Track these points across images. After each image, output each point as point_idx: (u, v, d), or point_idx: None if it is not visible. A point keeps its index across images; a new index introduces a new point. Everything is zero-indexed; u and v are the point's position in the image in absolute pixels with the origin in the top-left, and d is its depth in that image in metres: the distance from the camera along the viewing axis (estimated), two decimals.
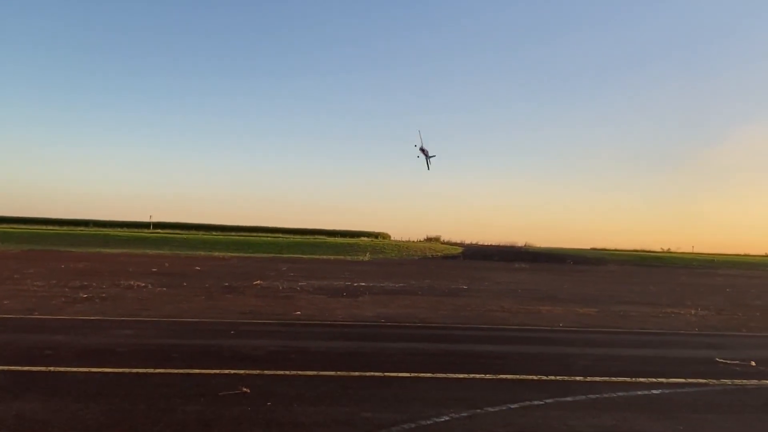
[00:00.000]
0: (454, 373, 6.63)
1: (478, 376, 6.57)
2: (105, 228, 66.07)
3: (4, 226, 61.46)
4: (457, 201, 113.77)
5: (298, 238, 62.42)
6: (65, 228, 62.93)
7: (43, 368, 6.16)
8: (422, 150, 60.07)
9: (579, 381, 6.48)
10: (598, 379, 6.59)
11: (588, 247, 74.38)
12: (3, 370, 6.01)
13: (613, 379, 6.62)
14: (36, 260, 25.51)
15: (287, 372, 6.41)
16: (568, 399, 5.74)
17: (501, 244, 72.24)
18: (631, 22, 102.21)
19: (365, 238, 64.81)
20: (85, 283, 15.62)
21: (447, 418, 4.95)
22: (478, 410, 5.22)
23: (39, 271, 19.24)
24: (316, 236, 66.27)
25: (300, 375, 6.30)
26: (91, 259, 28.32)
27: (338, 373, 6.42)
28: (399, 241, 66.23)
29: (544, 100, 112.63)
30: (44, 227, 62.73)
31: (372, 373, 6.48)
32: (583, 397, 5.82)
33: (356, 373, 6.45)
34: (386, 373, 6.49)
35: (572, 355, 8.19)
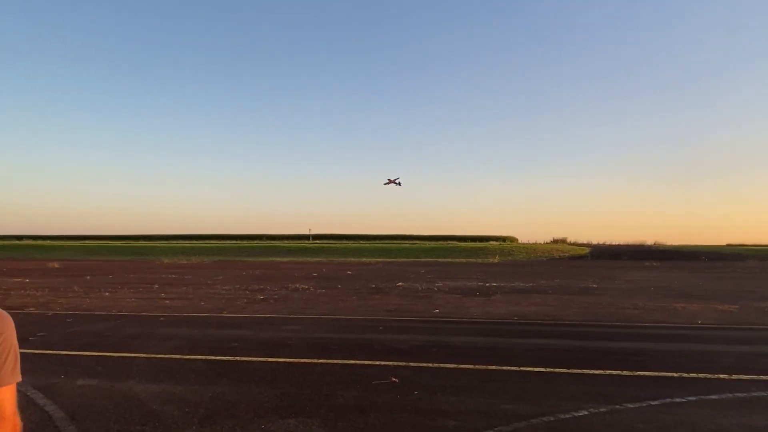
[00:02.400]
0: (590, 369, 6.13)
1: (614, 372, 6.01)
2: (274, 240, 71.18)
3: (200, 242, 68.81)
4: (581, 202, 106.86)
5: (433, 243, 62.65)
6: (244, 242, 68.90)
7: (231, 358, 6.68)
8: (392, 181, 68.72)
9: (723, 379, 5.66)
10: (744, 377, 5.71)
11: (723, 243, 65.88)
12: (202, 359, 6.60)
13: (763, 377, 5.71)
14: (223, 269, 28.07)
15: (430, 364, 6.34)
16: (713, 397, 5.03)
17: (629, 243, 66.43)
18: None
19: (494, 242, 63.24)
20: (261, 287, 16.84)
21: (585, 413, 4.57)
22: (617, 406, 4.76)
23: (226, 278, 21.11)
24: (449, 242, 65.94)
25: (442, 367, 6.20)
26: (264, 266, 30.60)
27: (477, 366, 6.23)
28: (526, 243, 63.71)
29: (668, 94, 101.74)
30: (228, 242, 69.18)
31: (508, 368, 6.19)
32: (730, 395, 5.08)
33: (493, 367, 6.21)
34: (522, 368, 6.18)
35: (714, 353, 7.24)
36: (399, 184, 72.04)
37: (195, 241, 69.73)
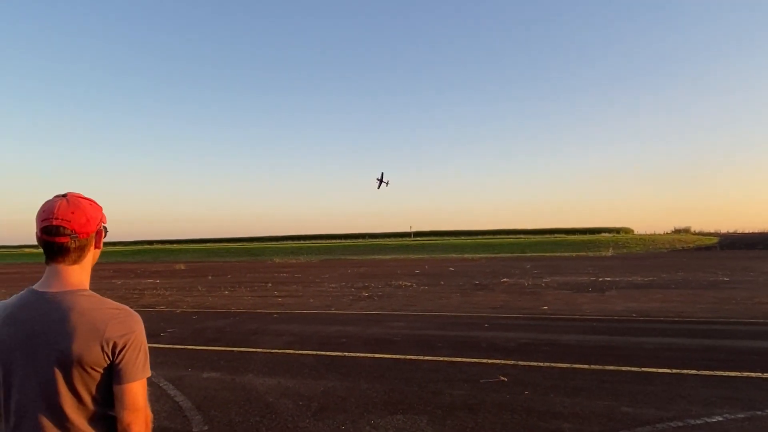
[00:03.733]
0: (723, 370, 5.55)
1: (753, 374, 5.39)
2: (376, 239, 72.66)
3: (307, 242, 72.02)
4: (707, 189, 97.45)
5: (538, 237, 60.39)
6: (348, 241, 71.03)
7: (339, 353, 6.89)
8: (380, 180, 73.21)
9: None
10: None
11: None
12: (312, 354, 6.87)
13: None
14: (329, 267, 29.12)
15: (540, 363, 6.08)
16: None
17: (765, 231, 59.32)
18: None
19: (606, 234, 59.60)
20: (366, 284, 17.24)
21: (720, 419, 4.13)
22: (758, 412, 4.26)
23: (332, 276, 21.88)
24: (556, 235, 63.22)
25: (554, 367, 5.93)
26: (368, 264, 31.31)
27: (592, 366, 5.88)
28: (643, 234, 59.31)
29: None
30: (333, 241, 71.69)
31: (628, 368, 5.77)
32: None
33: (611, 367, 5.82)
34: (643, 369, 5.73)
35: None
36: (387, 183, 76.69)
37: (302, 242, 73.11)
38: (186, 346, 7.63)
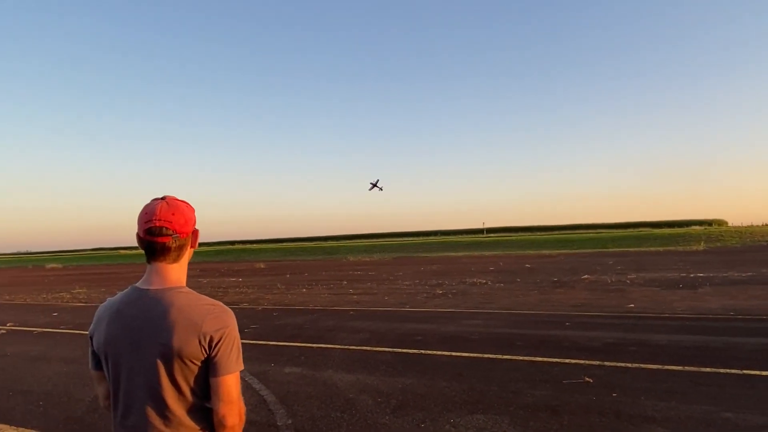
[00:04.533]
0: None
1: None
2: (448, 236, 72.10)
3: (380, 240, 72.71)
4: None
5: (621, 232, 57.44)
6: (420, 238, 71.00)
7: (416, 351, 6.89)
8: (373, 185, 74.80)
9: None
10: None
11: None
12: (389, 352, 6.92)
13: None
14: (403, 265, 29.25)
15: (628, 364, 5.78)
16: None
17: None
18: None
19: (697, 227, 55.78)
20: (439, 282, 17.16)
21: None
22: None
23: (406, 273, 21.95)
24: (640, 229, 59.88)
25: (643, 368, 5.61)
26: (441, 262, 31.14)
27: (686, 368, 5.51)
28: (739, 227, 55.01)
29: None
30: (406, 239, 71.91)
31: (727, 370, 5.36)
32: None
33: (708, 369, 5.43)
34: (745, 371, 5.30)
35: None
36: (381, 188, 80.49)
37: (375, 240, 73.91)
38: (268, 342, 7.93)
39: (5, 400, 5.56)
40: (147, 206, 1.52)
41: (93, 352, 1.58)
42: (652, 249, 36.07)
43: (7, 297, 18.43)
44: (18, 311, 13.84)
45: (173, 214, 1.50)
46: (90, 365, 1.63)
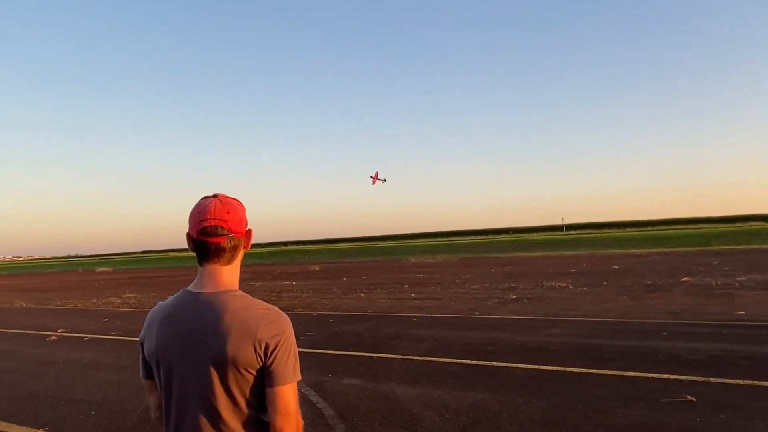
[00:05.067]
0: None
1: None
2: (522, 234, 70.76)
3: (444, 239, 72.42)
4: None
5: (727, 227, 54.34)
6: (490, 237, 70.08)
7: (487, 362, 6.77)
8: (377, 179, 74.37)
9: None
10: None
11: None
12: (457, 363, 6.84)
13: None
14: (470, 266, 28.95)
15: (738, 381, 5.42)
16: None
17: None
18: None
19: None
20: (512, 285, 16.83)
21: None
22: None
23: (474, 276, 21.70)
24: (750, 223, 56.39)
25: (757, 385, 5.24)
26: (513, 263, 30.58)
27: None
28: None
29: None
30: (473, 238, 71.20)
31: None
32: None
33: None
34: None
35: None
36: (384, 180, 78.66)
37: (439, 239, 73.71)
38: (325, 351, 8.04)
39: (57, 408, 5.92)
40: (199, 204, 1.52)
41: (144, 359, 1.61)
42: (766, 246, 33.81)
43: (58, 302, 19.72)
44: (69, 317, 14.77)
45: (228, 213, 1.50)
46: (141, 373, 1.66)
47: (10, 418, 5.59)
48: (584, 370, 6.14)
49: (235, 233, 1.52)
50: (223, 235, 1.48)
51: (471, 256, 44.03)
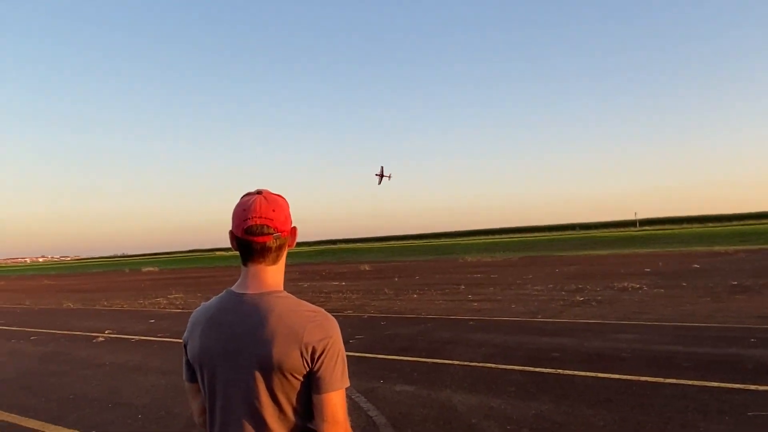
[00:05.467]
0: None
1: None
2: (590, 230, 69.02)
3: (503, 236, 71.50)
4: None
5: None
6: (554, 233, 68.70)
7: (551, 370, 6.68)
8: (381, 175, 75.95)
9: None
10: None
11: None
12: (519, 370, 6.78)
13: None
14: (532, 266, 28.49)
15: None
16: None
17: None
18: None
19: None
20: (579, 286, 16.47)
21: None
22: None
23: (536, 276, 21.35)
24: None
25: None
26: (580, 262, 29.90)
27: None
28: None
29: None
30: (535, 235, 70.01)
31: None
32: None
33: None
34: None
35: None
36: (389, 177, 79.62)
37: (497, 236, 72.80)
38: (376, 355, 8.12)
39: (104, 412, 6.22)
40: (243, 202, 1.54)
41: (187, 362, 1.65)
42: None
43: (105, 303, 20.62)
44: (115, 318, 15.43)
45: (273, 211, 1.53)
46: (184, 376, 1.70)
47: (57, 421, 5.91)
48: (660, 380, 5.97)
49: (281, 232, 1.54)
50: (268, 234, 1.50)
51: (533, 254, 43.30)
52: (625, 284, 16.26)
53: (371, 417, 5.30)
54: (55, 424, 5.82)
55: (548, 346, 8.08)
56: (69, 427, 5.68)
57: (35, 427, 5.76)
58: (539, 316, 11.11)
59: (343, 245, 79.49)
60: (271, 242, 1.52)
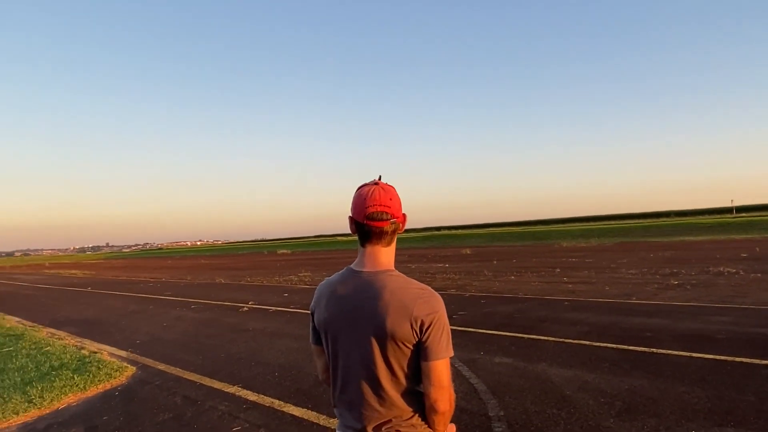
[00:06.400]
0: None
1: None
2: (686, 217, 63.94)
3: (598, 223, 67.99)
4: None
5: None
6: (649, 220, 64.32)
7: (644, 349, 6.30)
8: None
9: None
10: None
11: None
12: (612, 348, 6.46)
13: None
14: (626, 251, 26.88)
15: None
16: None
17: None
18: None
19: None
20: (674, 270, 15.35)
21: None
22: None
23: (630, 261, 20.13)
24: None
25: None
26: (675, 247, 27.79)
27: None
28: None
29: None
30: (630, 221, 65.88)
31: None
32: None
33: None
34: None
35: None
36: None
37: (592, 223, 69.30)
38: (476, 330, 8.05)
39: (249, 369, 6.66)
40: (363, 191, 1.60)
41: (314, 327, 1.77)
42: None
43: (248, 279, 22.01)
44: (256, 291, 16.42)
45: (390, 199, 1.59)
46: (311, 339, 1.81)
47: (212, 376, 6.42)
48: (756, 361, 5.45)
49: (397, 218, 1.60)
50: (386, 220, 1.57)
51: (627, 240, 40.76)
52: (721, 269, 14.94)
53: (472, 384, 5.29)
54: (210, 378, 6.32)
55: (641, 326, 7.63)
56: (222, 381, 6.15)
57: (195, 380, 6.29)
58: (633, 298, 10.48)
59: (447, 231, 79.08)
60: (388, 227, 1.58)
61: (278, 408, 5.01)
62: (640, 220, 66.11)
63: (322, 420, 4.57)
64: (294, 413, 4.82)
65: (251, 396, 5.46)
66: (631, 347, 6.41)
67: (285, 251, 67.13)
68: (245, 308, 12.36)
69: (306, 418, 4.67)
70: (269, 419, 4.72)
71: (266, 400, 5.28)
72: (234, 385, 5.93)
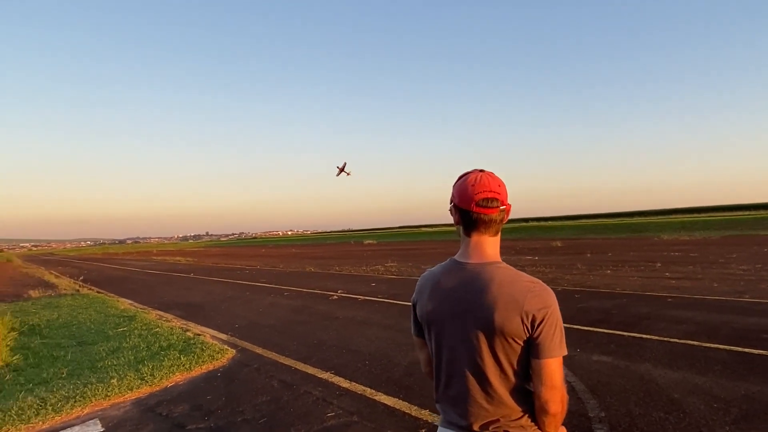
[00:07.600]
0: None
1: None
2: None
3: (702, 215, 63.11)
4: None
5: None
6: (761, 212, 58.79)
7: (763, 352, 5.75)
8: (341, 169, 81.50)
9: None
10: None
11: None
12: (725, 349, 5.95)
13: None
14: (736, 245, 24.73)
15: None
16: None
17: None
18: None
19: None
20: None
21: None
22: None
23: (741, 256, 18.50)
24: None
25: None
26: None
27: None
28: None
29: None
30: (739, 213, 60.57)
31: None
32: None
33: None
34: None
35: None
36: (348, 173, 76.79)
37: (696, 215, 64.45)
38: (571, 325, 7.71)
39: (340, 356, 6.79)
40: (470, 178, 1.53)
41: (415, 319, 1.73)
42: None
43: (337, 268, 22.53)
44: (345, 280, 16.76)
45: (499, 186, 1.52)
46: (413, 331, 1.78)
47: (305, 361, 6.61)
48: None
49: (505, 206, 1.53)
50: (495, 207, 1.50)
51: (737, 233, 37.48)
52: None
53: (570, 383, 5.06)
54: (303, 363, 6.51)
55: (758, 327, 6.96)
56: (314, 366, 6.32)
57: (289, 364, 6.51)
58: (746, 296, 9.59)
59: (535, 223, 76.65)
60: (497, 215, 1.51)
61: (370, 396, 5.06)
62: (751, 212, 60.59)
63: (414, 411, 4.56)
64: (386, 402, 4.85)
65: (343, 383, 5.56)
66: (746, 349, 5.87)
67: (371, 241, 68.19)
68: (335, 296, 12.65)
69: (398, 408, 4.68)
70: (361, 407, 4.77)
71: (358, 388, 5.35)
72: (327, 371, 6.07)
